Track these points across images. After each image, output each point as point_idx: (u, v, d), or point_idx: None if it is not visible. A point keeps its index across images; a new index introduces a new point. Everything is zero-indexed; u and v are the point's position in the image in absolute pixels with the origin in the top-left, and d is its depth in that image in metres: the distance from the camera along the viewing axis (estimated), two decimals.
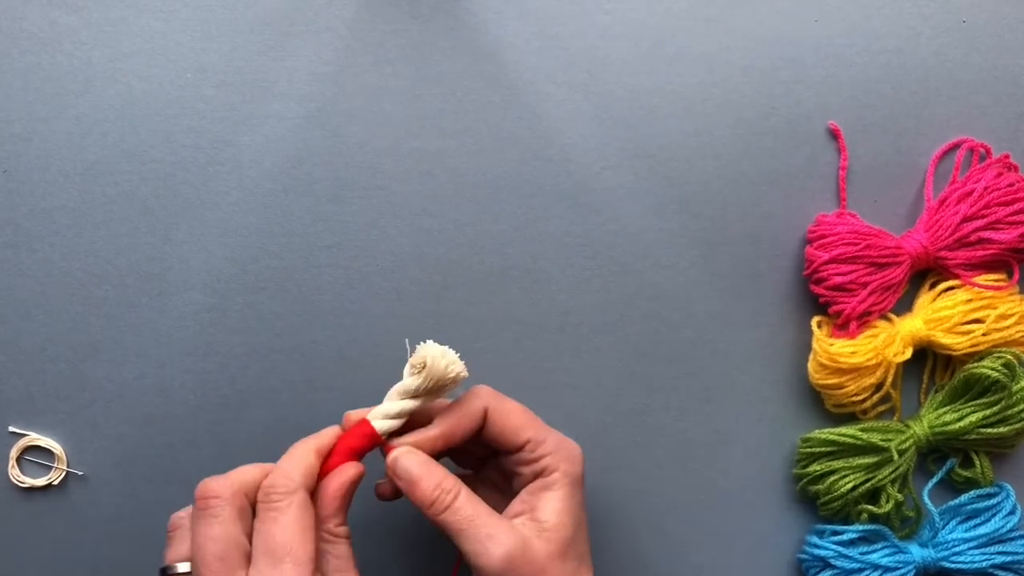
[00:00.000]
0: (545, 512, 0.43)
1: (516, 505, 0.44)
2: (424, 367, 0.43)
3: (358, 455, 0.43)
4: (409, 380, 0.43)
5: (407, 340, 0.44)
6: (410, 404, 0.44)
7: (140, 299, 0.51)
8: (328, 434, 0.44)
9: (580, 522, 0.44)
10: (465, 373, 0.44)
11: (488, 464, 0.49)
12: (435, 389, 0.44)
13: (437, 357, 0.43)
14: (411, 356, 0.43)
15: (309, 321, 0.52)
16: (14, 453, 0.51)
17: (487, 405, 0.45)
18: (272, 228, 0.52)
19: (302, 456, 0.42)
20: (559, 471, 0.44)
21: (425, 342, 0.43)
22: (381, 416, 0.43)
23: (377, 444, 0.44)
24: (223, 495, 0.40)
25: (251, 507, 0.41)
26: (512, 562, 0.41)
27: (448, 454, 0.47)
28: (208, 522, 0.39)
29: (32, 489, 0.51)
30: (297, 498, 0.40)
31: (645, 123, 0.53)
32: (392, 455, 0.43)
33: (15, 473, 0.51)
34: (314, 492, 0.42)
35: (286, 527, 0.39)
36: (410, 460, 0.43)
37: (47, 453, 0.51)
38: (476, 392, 0.45)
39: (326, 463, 0.43)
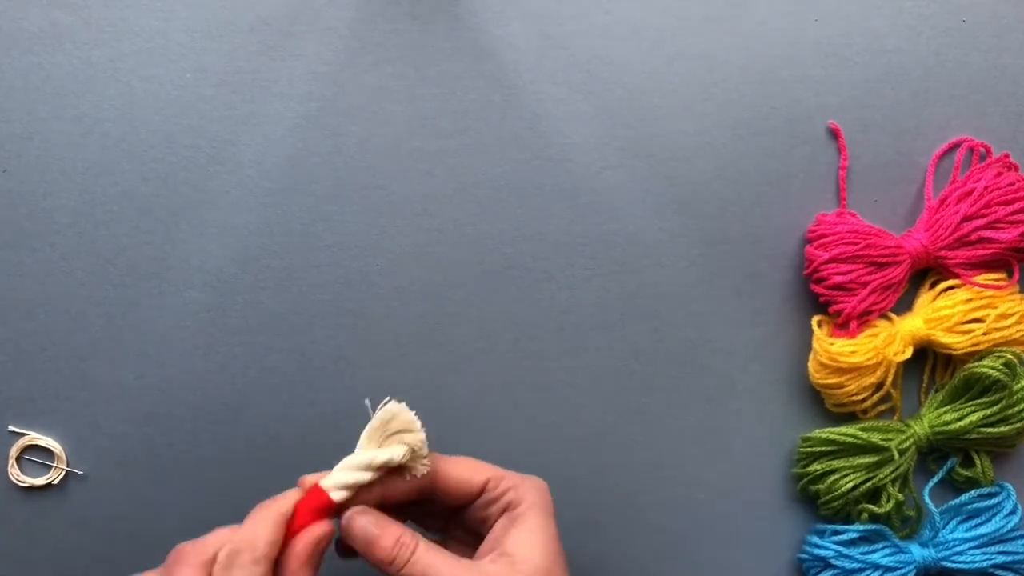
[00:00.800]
0: (514, 545, 0.41)
1: (485, 545, 0.42)
2: (385, 440, 0.41)
3: (319, 518, 0.41)
4: (367, 454, 0.41)
5: (367, 401, 0.42)
6: (365, 476, 0.41)
7: (140, 298, 0.51)
8: (289, 498, 0.41)
9: (555, 554, 0.42)
10: (424, 450, 0.42)
11: (454, 521, 0.46)
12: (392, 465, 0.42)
13: (399, 428, 0.41)
14: (373, 417, 0.41)
15: (309, 321, 0.52)
16: (14, 452, 0.51)
17: (435, 467, 0.43)
18: (272, 228, 0.52)
19: (265, 521, 0.39)
20: (525, 502, 0.42)
21: (391, 404, 0.42)
22: (335, 487, 0.41)
23: (333, 511, 0.42)
24: (191, 563, 0.38)
25: None
26: None
27: (412, 517, 0.45)
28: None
29: (32, 488, 0.51)
30: (260, 569, 0.38)
31: (645, 123, 0.53)
32: (345, 516, 0.41)
33: (15, 472, 0.51)
34: (278, 558, 0.40)
35: None
36: (365, 520, 0.41)
37: (47, 452, 0.51)
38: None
39: (289, 526, 0.40)
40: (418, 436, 0.41)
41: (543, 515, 0.42)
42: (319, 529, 0.40)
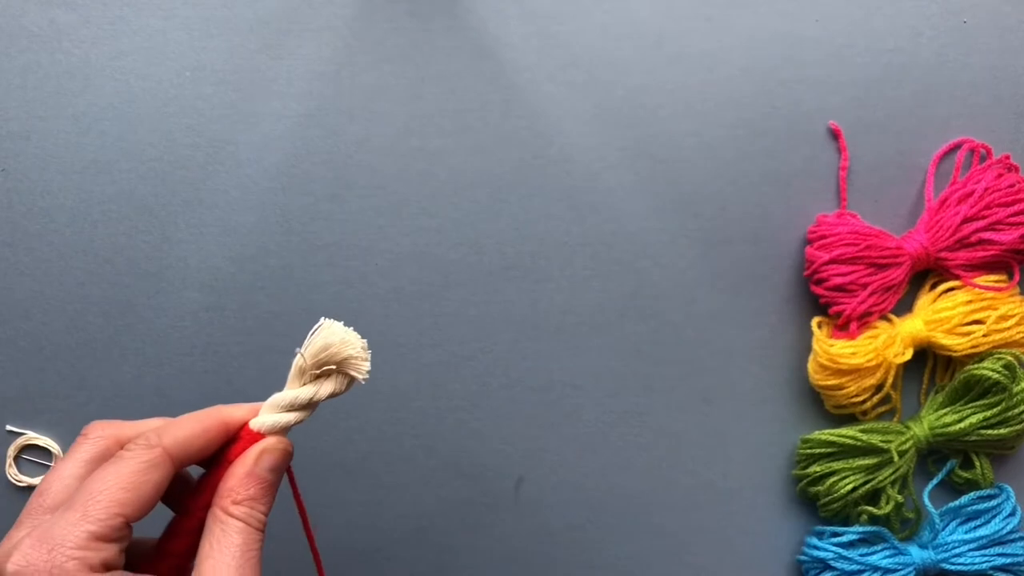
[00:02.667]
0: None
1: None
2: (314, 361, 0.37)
3: None
4: (295, 392, 0.38)
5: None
6: (299, 416, 0.38)
7: (138, 298, 0.51)
8: (229, 412, 0.37)
9: None
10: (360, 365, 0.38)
11: None
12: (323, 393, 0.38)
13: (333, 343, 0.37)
14: (306, 347, 0.38)
15: (307, 321, 0.51)
16: (12, 452, 0.51)
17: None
18: (271, 227, 0.51)
19: (184, 422, 0.36)
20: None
21: (324, 329, 0.38)
22: (269, 429, 0.37)
23: None
24: (90, 436, 0.36)
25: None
26: None
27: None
28: (64, 458, 0.36)
29: (30, 488, 0.51)
30: (148, 455, 0.34)
31: (645, 123, 0.52)
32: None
33: (13, 472, 0.51)
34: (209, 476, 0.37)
35: (108, 475, 0.33)
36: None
37: (45, 452, 0.51)
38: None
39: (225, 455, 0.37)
40: (359, 359, 0.38)
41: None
42: (275, 443, 0.37)
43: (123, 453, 0.34)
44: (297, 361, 0.38)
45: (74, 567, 0.32)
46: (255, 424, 0.37)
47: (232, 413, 0.37)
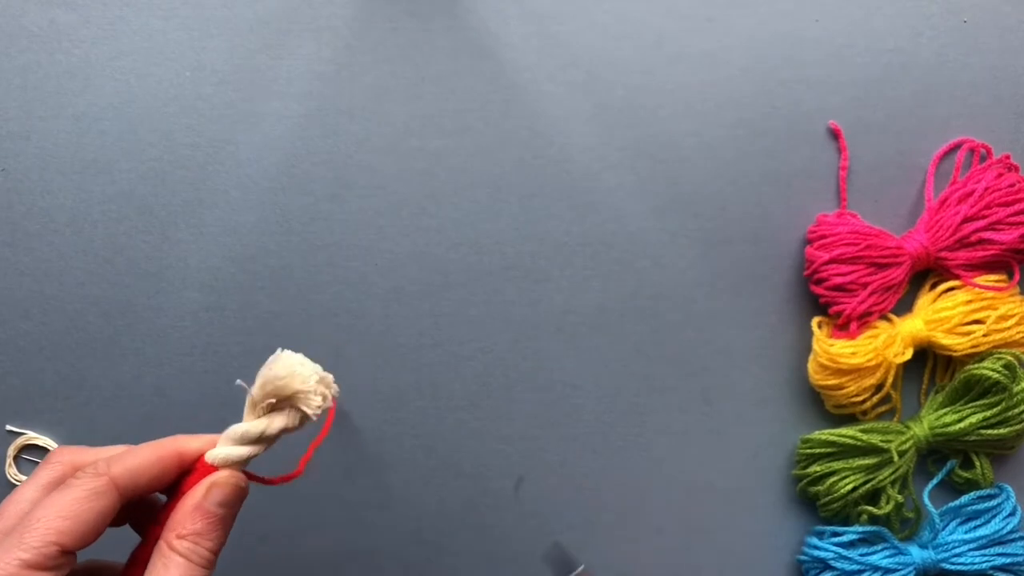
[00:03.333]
0: None
1: None
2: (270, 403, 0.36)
3: None
4: (250, 425, 0.37)
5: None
6: (254, 451, 0.37)
7: (138, 298, 0.51)
8: (183, 443, 0.37)
9: None
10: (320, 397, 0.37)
11: None
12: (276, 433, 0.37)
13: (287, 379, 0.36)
14: (258, 381, 0.37)
15: (307, 321, 0.52)
16: (11, 452, 0.51)
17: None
18: (270, 227, 0.51)
19: (135, 452, 0.35)
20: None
21: (276, 361, 0.37)
22: (223, 463, 0.37)
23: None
24: (51, 461, 0.36)
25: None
26: None
27: None
28: (25, 483, 0.35)
29: None
30: (93, 484, 0.34)
31: (645, 123, 0.52)
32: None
33: (12, 472, 0.51)
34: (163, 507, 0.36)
35: (52, 503, 0.33)
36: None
37: (45, 452, 0.51)
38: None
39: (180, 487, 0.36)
40: (309, 394, 0.37)
41: None
42: (226, 477, 0.36)
43: (71, 481, 0.34)
44: (250, 392, 0.37)
45: None
46: (209, 457, 0.36)
47: (188, 444, 0.37)
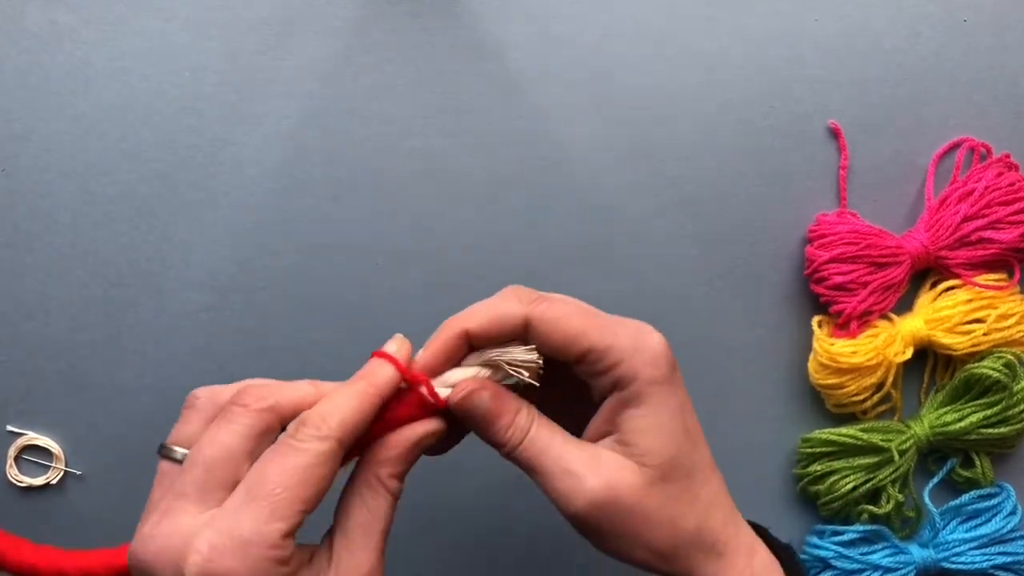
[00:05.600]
0: (633, 432, 0.35)
1: (595, 426, 0.37)
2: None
3: (418, 414, 0.36)
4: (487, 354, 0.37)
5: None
6: (483, 373, 0.37)
7: (139, 298, 0.51)
8: (388, 377, 0.36)
9: (683, 431, 0.36)
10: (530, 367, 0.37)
11: (554, 370, 0.38)
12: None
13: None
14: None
15: (308, 321, 0.52)
16: (12, 452, 0.51)
17: (527, 314, 0.36)
18: (271, 227, 0.52)
19: (350, 404, 0.34)
20: (639, 379, 0.35)
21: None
22: (446, 385, 0.37)
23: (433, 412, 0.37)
24: (251, 407, 0.34)
25: (278, 430, 0.35)
26: (598, 503, 0.35)
27: None
28: (222, 425, 0.34)
29: (30, 488, 0.51)
30: (323, 447, 0.33)
31: (645, 123, 0.53)
32: (461, 391, 0.36)
33: (13, 472, 0.51)
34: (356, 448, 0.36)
35: (287, 469, 0.32)
36: (484, 396, 0.36)
37: (46, 452, 0.51)
38: (508, 295, 0.37)
39: (376, 424, 0.36)
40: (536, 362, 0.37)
41: (663, 393, 0.36)
42: (428, 426, 0.36)
43: (295, 443, 0.33)
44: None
45: (272, 568, 0.31)
46: (444, 379, 0.36)
47: (384, 387, 0.35)
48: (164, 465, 0.35)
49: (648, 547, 0.36)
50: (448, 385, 0.37)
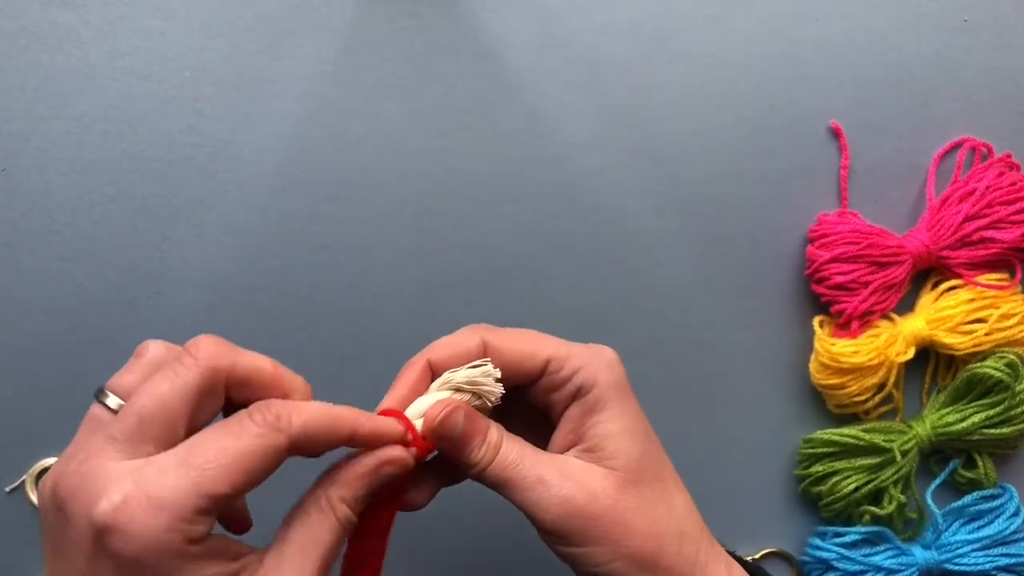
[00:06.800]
0: (597, 437, 0.36)
1: (560, 437, 0.37)
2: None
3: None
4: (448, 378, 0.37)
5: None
6: (449, 395, 0.37)
7: (138, 298, 0.51)
8: (366, 416, 0.35)
9: (644, 436, 0.37)
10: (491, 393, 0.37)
11: (511, 400, 0.38)
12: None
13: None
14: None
15: (308, 321, 0.52)
16: (30, 480, 0.51)
17: (484, 338, 0.37)
18: (271, 227, 0.51)
19: (322, 416, 0.33)
20: (599, 383, 0.36)
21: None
22: (418, 415, 0.37)
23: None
24: (201, 363, 0.33)
25: (222, 395, 0.34)
26: (573, 506, 0.34)
27: None
28: (166, 376, 0.33)
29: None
30: (273, 440, 0.32)
31: (645, 123, 0.52)
32: (436, 414, 0.35)
33: (36, 501, 0.51)
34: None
35: (228, 446, 0.31)
36: (459, 416, 0.35)
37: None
38: (465, 330, 0.38)
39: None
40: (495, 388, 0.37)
41: (623, 398, 0.37)
42: (390, 452, 0.34)
43: (247, 425, 0.32)
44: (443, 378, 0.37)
45: (178, 540, 0.30)
46: (413, 410, 0.36)
47: (363, 424, 0.35)
48: (95, 410, 0.34)
49: (628, 555, 0.35)
50: (418, 415, 0.36)
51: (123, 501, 0.30)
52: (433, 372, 0.37)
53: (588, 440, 0.36)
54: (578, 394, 0.37)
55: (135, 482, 0.30)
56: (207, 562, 0.31)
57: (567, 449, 0.37)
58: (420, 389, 0.37)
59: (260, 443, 0.31)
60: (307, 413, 0.33)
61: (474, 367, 0.37)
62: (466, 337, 0.37)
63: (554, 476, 0.35)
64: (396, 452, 0.35)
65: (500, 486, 0.36)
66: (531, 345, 0.37)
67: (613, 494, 0.35)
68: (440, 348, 0.37)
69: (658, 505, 0.36)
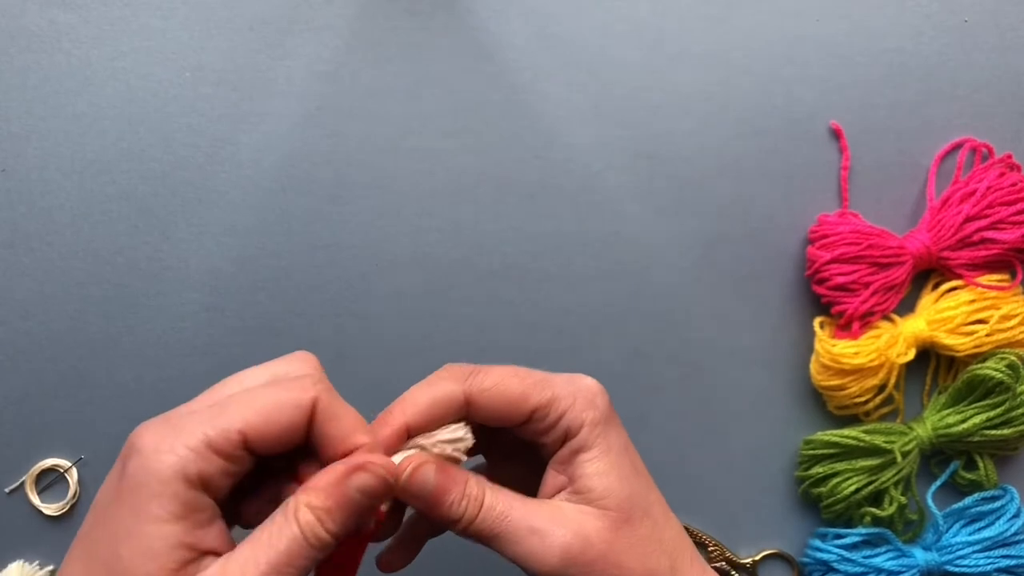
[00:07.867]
0: (587, 479, 0.35)
1: (550, 481, 0.36)
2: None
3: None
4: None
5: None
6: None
7: (138, 299, 0.51)
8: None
9: (632, 470, 0.36)
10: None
11: (496, 439, 0.38)
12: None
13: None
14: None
15: (308, 321, 0.52)
16: (30, 480, 0.51)
17: (465, 392, 0.36)
18: (271, 227, 0.51)
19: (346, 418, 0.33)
20: (585, 425, 0.36)
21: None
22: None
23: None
24: (296, 357, 0.34)
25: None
26: (571, 554, 0.34)
27: None
28: (263, 366, 0.34)
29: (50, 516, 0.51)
30: (297, 397, 0.32)
31: (645, 123, 0.52)
32: (406, 471, 0.34)
33: (36, 501, 0.51)
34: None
35: (249, 399, 0.32)
36: (426, 472, 0.34)
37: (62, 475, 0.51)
38: (444, 376, 0.36)
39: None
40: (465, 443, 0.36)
41: (606, 433, 0.36)
42: (369, 465, 0.32)
43: (284, 382, 0.32)
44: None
45: (169, 466, 0.30)
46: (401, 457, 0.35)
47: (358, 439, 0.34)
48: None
49: None
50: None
51: (157, 420, 0.32)
52: (408, 434, 0.36)
53: (576, 481, 0.36)
54: (567, 435, 0.36)
55: (174, 412, 0.33)
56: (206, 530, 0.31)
57: (559, 490, 0.36)
58: (394, 453, 0.35)
59: (285, 397, 0.32)
60: (335, 410, 0.34)
61: (450, 435, 0.36)
62: (447, 388, 0.36)
63: (547, 524, 0.34)
64: (370, 458, 0.33)
65: (490, 540, 0.35)
66: (514, 394, 0.36)
67: (607, 536, 0.35)
68: (418, 405, 0.35)
69: (649, 542, 0.36)
